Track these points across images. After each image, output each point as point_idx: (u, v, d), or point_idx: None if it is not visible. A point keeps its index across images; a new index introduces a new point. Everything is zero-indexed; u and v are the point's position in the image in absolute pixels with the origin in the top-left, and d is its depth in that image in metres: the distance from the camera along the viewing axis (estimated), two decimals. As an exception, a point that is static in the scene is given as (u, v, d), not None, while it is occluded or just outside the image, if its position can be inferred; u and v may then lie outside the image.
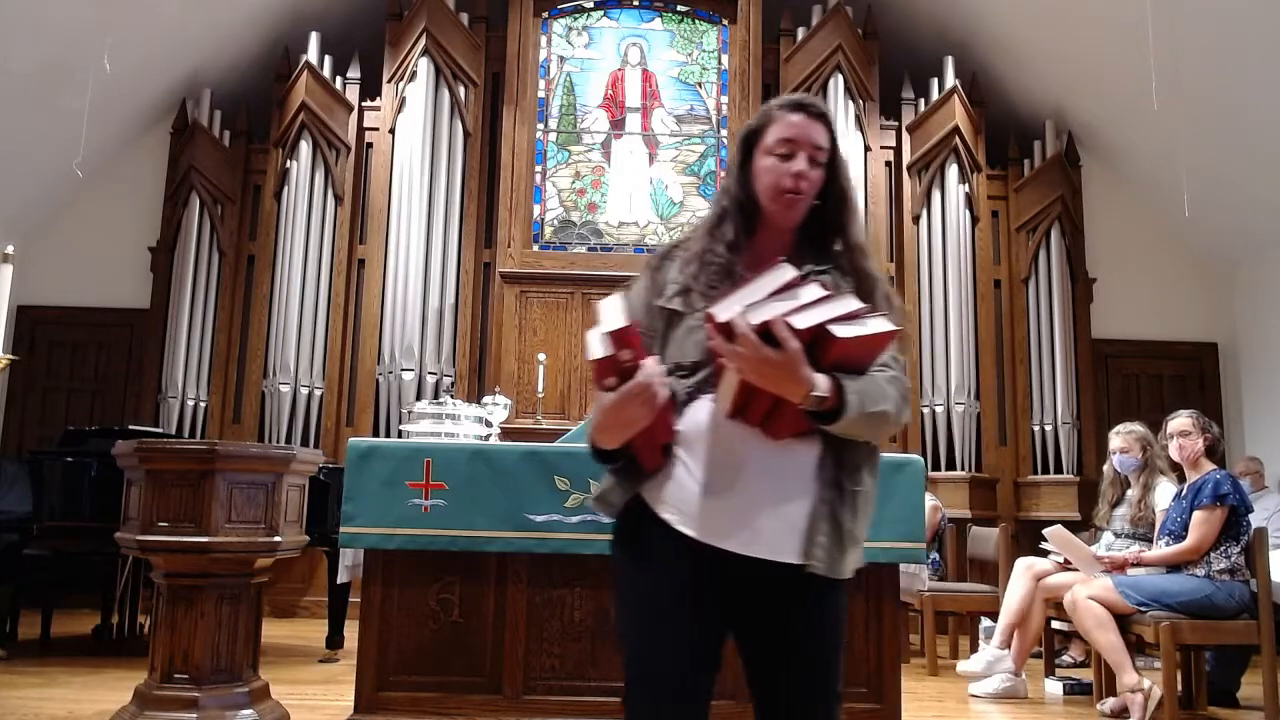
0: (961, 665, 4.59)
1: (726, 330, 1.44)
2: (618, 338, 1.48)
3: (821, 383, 1.46)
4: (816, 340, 1.45)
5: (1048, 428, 7.04)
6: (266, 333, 7.04)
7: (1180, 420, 4.14)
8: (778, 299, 1.46)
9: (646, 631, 1.59)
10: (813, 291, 1.48)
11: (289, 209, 7.08)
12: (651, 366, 1.49)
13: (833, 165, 1.67)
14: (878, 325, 1.50)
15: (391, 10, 7.32)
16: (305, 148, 7.13)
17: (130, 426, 5.94)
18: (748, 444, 1.55)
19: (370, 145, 7.34)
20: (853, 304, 1.50)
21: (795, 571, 1.54)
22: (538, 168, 7.35)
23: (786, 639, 1.60)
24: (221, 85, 7.41)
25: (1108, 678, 4.08)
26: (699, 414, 1.58)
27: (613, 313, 1.50)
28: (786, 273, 1.49)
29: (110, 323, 7.31)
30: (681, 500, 1.57)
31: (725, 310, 1.45)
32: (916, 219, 7.29)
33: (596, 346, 1.49)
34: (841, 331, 1.46)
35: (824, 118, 1.66)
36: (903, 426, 1.67)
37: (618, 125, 7.48)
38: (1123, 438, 4.53)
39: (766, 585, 1.56)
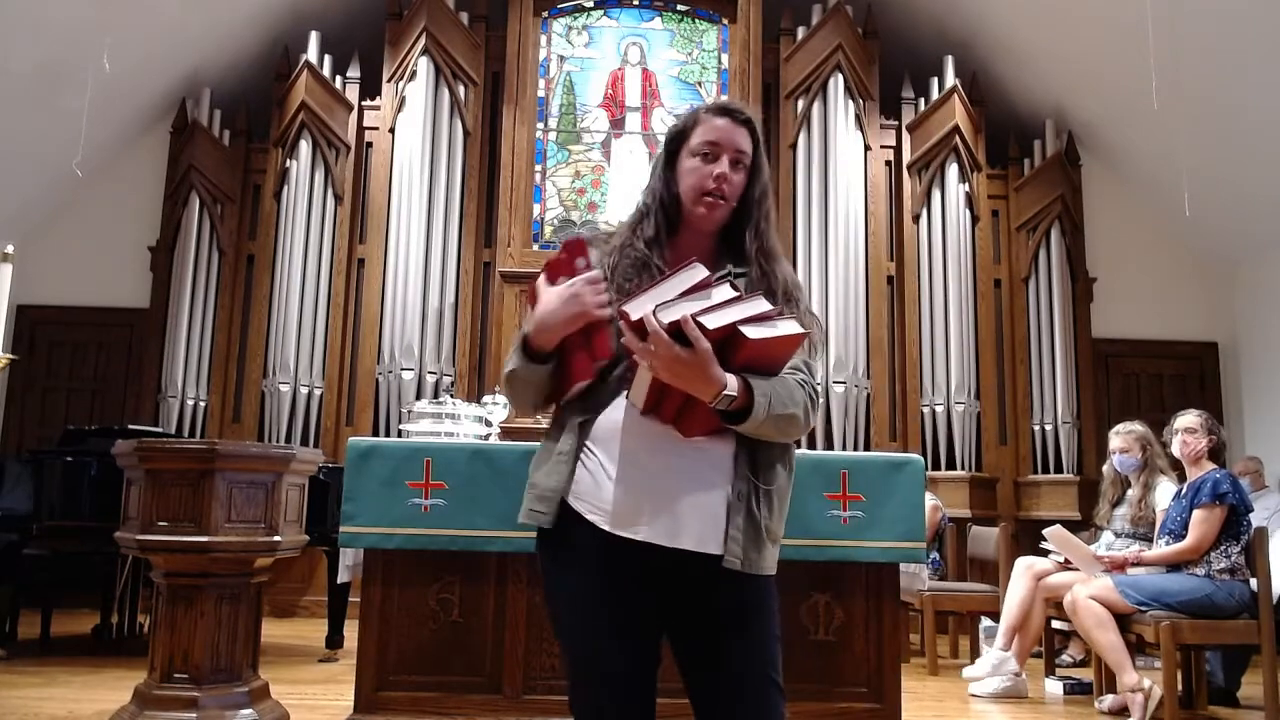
0: (967, 671, 4.57)
1: (639, 328, 1.47)
2: (570, 246, 1.55)
3: (732, 383, 1.50)
4: (727, 340, 1.48)
5: (1048, 427, 7.04)
6: (266, 332, 7.04)
7: (1188, 418, 4.14)
8: (690, 298, 1.49)
9: (581, 631, 1.61)
10: (724, 292, 1.51)
11: (289, 208, 7.08)
12: (599, 273, 1.57)
13: (754, 170, 1.70)
14: (787, 327, 1.53)
15: (391, 10, 7.32)
16: (305, 147, 7.13)
17: (130, 426, 5.94)
18: (664, 441, 1.57)
19: (370, 145, 7.34)
20: (763, 305, 1.52)
21: (718, 563, 1.57)
22: (538, 167, 7.35)
23: (715, 627, 1.61)
24: (221, 85, 7.41)
25: (1108, 677, 4.08)
26: (615, 412, 1.61)
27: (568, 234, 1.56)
28: (699, 272, 1.52)
29: (110, 322, 7.30)
30: (600, 497, 1.59)
31: (637, 308, 1.47)
32: (916, 218, 7.29)
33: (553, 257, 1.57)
34: (752, 332, 1.48)
35: (749, 123, 1.70)
36: (810, 429, 1.70)
37: (617, 125, 7.48)
38: (1123, 437, 4.53)
39: (691, 577, 1.59)
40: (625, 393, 1.59)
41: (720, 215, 1.69)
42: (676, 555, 1.56)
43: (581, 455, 1.62)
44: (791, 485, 1.70)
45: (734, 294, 1.52)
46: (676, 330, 1.45)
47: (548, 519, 1.63)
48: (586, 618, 1.60)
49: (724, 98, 1.68)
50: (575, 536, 1.61)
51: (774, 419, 1.54)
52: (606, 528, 1.58)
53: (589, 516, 1.59)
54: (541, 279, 1.60)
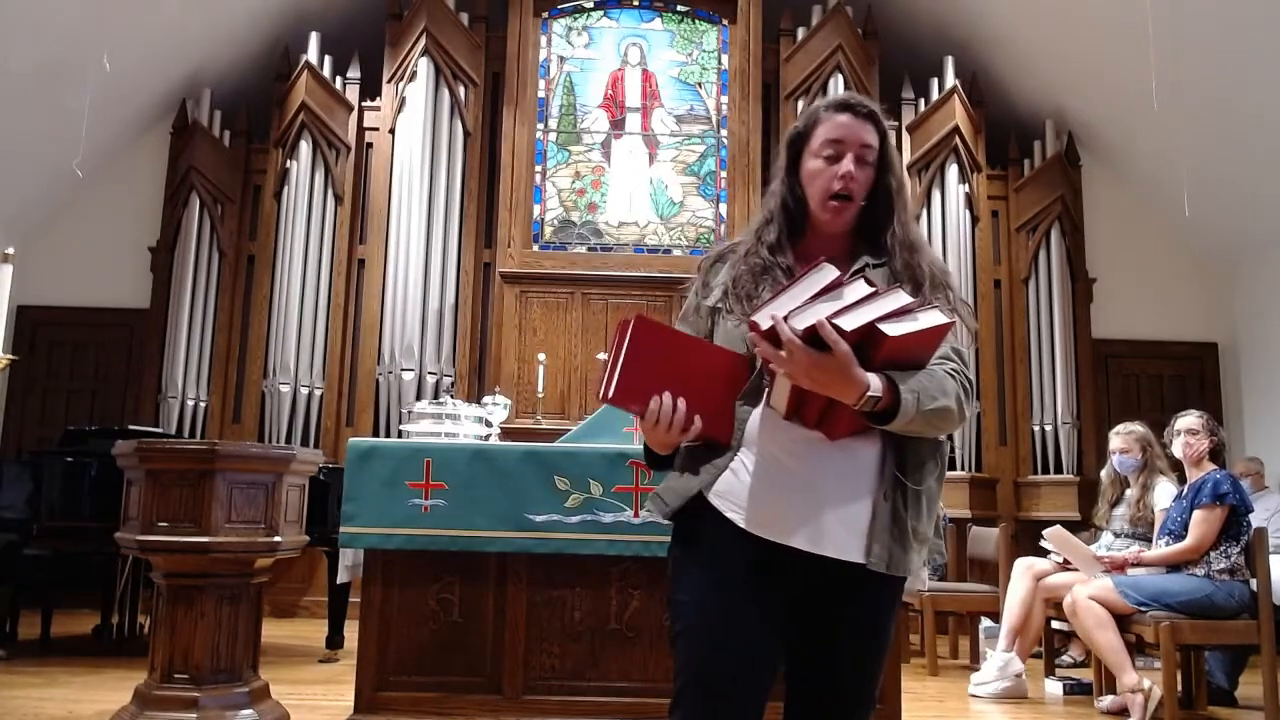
0: (975, 678, 4.51)
1: (772, 336, 1.42)
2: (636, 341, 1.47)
3: (875, 383, 1.43)
4: (866, 339, 1.42)
5: (1048, 428, 7.04)
6: (266, 333, 7.04)
7: (1190, 419, 4.14)
8: (822, 300, 1.43)
9: (707, 632, 1.55)
10: (858, 290, 1.45)
11: (289, 209, 7.08)
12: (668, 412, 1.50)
13: (883, 162, 1.64)
14: (930, 319, 1.45)
15: (391, 10, 7.32)
16: (305, 148, 7.13)
17: (130, 426, 5.94)
18: (807, 443, 1.53)
19: (370, 145, 7.34)
20: (902, 299, 1.45)
21: (855, 570, 1.53)
22: (538, 168, 7.35)
23: (834, 639, 1.58)
24: (221, 85, 7.41)
25: (1107, 678, 4.08)
26: (756, 416, 1.57)
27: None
28: (829, 273, 1.45)
29: (110, 323, 7.30)
30: (744, 498, 1.55)
31: (766, 316, 1.42)
32: (916, 219, 7.27)
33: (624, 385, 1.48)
34: (892, 329, 1.42)
35: (873, 116, 1.64)
36: (967, 420, 1.65)
37: (618, 125, 7.48)
38: (1123, 438, 4.53)
39: (824, 584, 1.55)
40: (766, 397, 1.54)
41: (849, 216, 1.63)
42: (815, 561, 1.52)
43: (726, 455, 1.57)
44: (942, 485, 1.64)
45: (869, 290, 1.44)
46: (812, 335, 1.39)
47: (669, 509, 1.60)
48: (711, 615, 1.54)
49: (845, 92, 1.65)
50: (709, 532, 1.56)
51: (924, 415, 1.46)
52: (745, 526, 1.53)
53: (728, 514, 1.55)
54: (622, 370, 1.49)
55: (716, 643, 1.53)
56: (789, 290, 1.45)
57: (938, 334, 1.47)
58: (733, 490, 1.55)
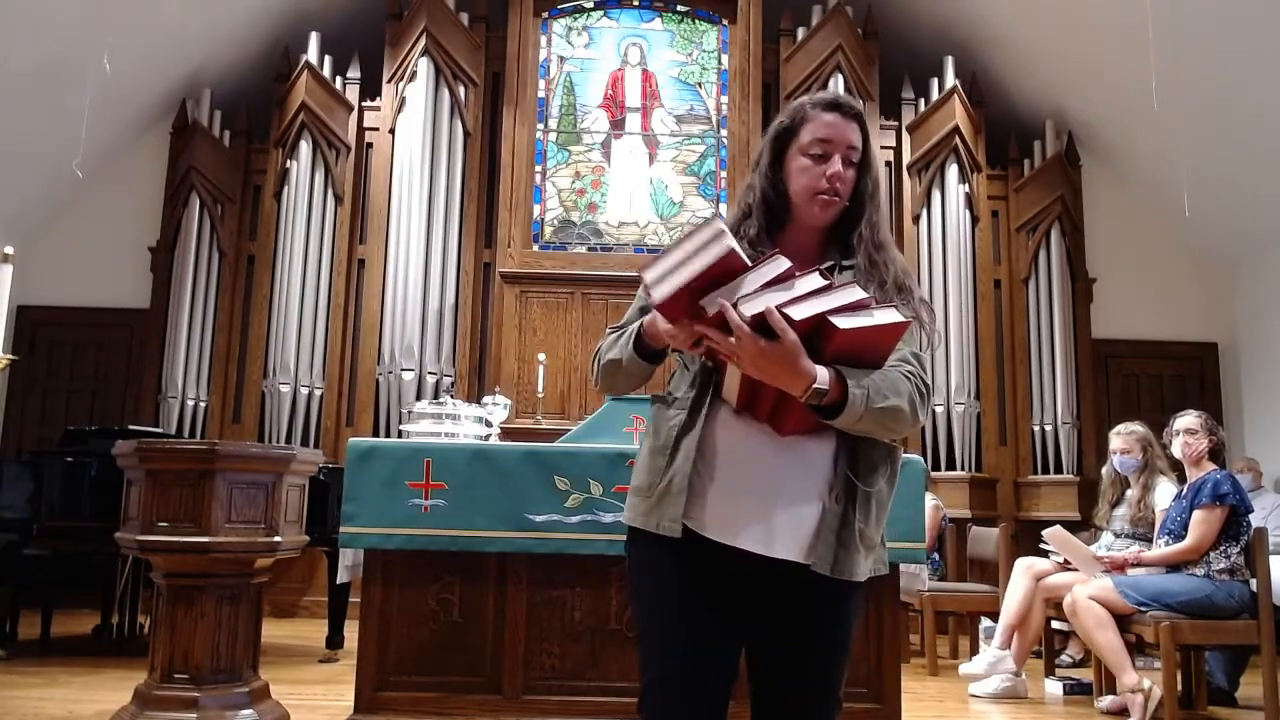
0: (964, 668, 4.59)
1: (719, 322, 1.41)
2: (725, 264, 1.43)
3: (822, 375, 1.43)
4: (817, 332, 1.42)
5: (1048, 428, 7.04)
6: (266, 333, 7.04)
7: (1188, 419, 4.14)
8: (773, 289, 1.42)
9: (662, 633, 1.58)
10: (812, 281, 1.43)
11: (289, 209, 7.08)
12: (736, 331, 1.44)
13: (864, 164, 1.66)
14: (885, 316, 1.44)
15: (391, 10, 7.32)
16: (305, 148, 7.13)
17: (130, 426, 5.94)
18: (760, 441, 1.54)
19: (370, 145, 7.34)
20: (856, 294, 1.44)
21: (807, 573, 1.54)
22: (538, 168, 7.35)
23: (793, 639, 1.59)
24: (221, 85, 7.41)
25: (1107, 678, 4.08)
26: (710, 410, 1.58)
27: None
28: (782, 264, 1.45)
29: (110, 323, 7.30)
30: (699, 500, 1.56)
31: (714, 301, 1.41)
32: (916, 219, 7.29)
33: (705, 256, 1.41)
34: (843, 322, 1.41)
35: (859, 117, 1.66)
36: (920, 425, 1.66)
37: (618, 125, 7.48)
38: (1123, 438, 4.53)
39: (778, 584, 1.56)
40: (715, 389, 1.55)
41: (833, 213, 1.65)
42: (768, 562, 1.54)
43: (678, 455, 1.58)
44: (894, 490, 1.64)
45: (823, 283, 1.44)
46: (760, 323, 1.39)
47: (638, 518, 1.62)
48: (666, 620, 1.58)
49: (831, 91, 1.64)
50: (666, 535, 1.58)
51: (874, 412, 1.46)
52: (698, 529, 1.55)
53: (691, 526, 1.56)
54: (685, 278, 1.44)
55: (674, 644, 1.56)
56: (742, 279, 1.43)
57: (893, 332, 1.46)
58: (691, 492, 1.57)
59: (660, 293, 1.43)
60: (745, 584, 1.57)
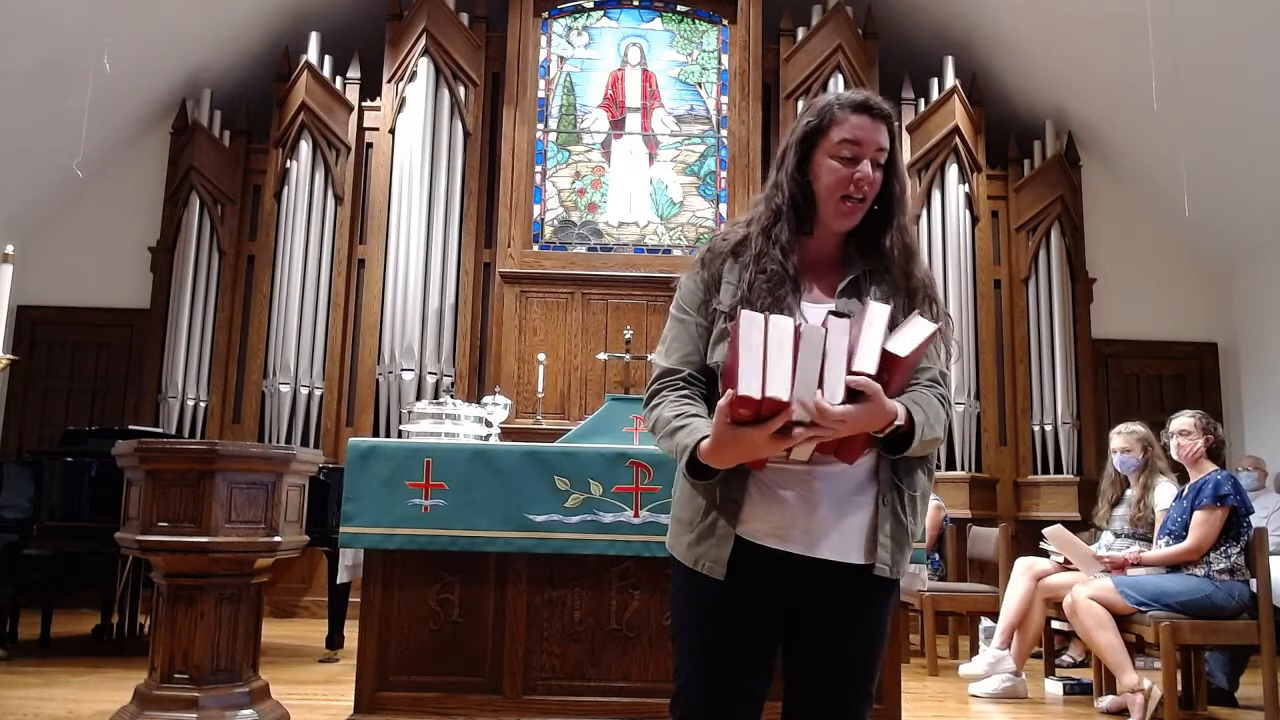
0: (964, 668, 4.59)
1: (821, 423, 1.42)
2: (771, 404, 1.40)
3: (900, 410, 1.48)
4: (882, 365, 1.46)
5: (1048, 428, 7.04)
6: (266, 333, 7.04)
7: (1182, 420, 4.14)
8: (829, 355, 1.43)
9: (696, 639, 1.59)
10: (841, 326, 1.44)
11: (289, 209, 7.08)
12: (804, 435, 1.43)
13: (890, 166, 1.64)
14: (921, 328, 1.49)
15: (391, 10, 7.32)
16: (305, 148, 7.13)
17: (130, 426, 5.94)
18: (809, 467, 1.55)
19: (370, 145, 7.34)
20: (883, 313, 1.47)
21: (852, 573, 1.56)
22: (538, 168, 7.35)
23: (830, 638, 1.60)
24: (221, 85, 7.41)
25: (1107, 678, 4.08)
26: None
27: (781, 364, 1.41)
28: (817, 334, 1.43)
29: (110, 323, 7.30)
30: (744, 507, 1.57)
31: (800, 409, 1.40)
32: (916, 219, 7.28)
33: (752, 383, 1.39)
34: (899, 349, 1.46)
35: (888, 118, 1.63)
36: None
37: (618, 125, 7.48)
38: (1123, 438, 4.53)
39: (820, 586, 1.57)
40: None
41: (858, 217, 1.63)
42: (813, 564, 1.54)
43: (717, 491, 1.57)
44: (932, 485, 1.68)
45: (848, 318, 1.45)
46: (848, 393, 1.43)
47: (722, 568, 1.57)
48: (701, 641, 1.58)
49: (860, 91, 1.60)
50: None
51: (924, 443, 1.53)
52: (743, 534, 1.55)
53: (739, 531, 1.56)
54: (727, 405, 1.42)
55: (713, 644, 1.57)
56: (782, 364, 1.41)
57: (928, 344, 1.51)
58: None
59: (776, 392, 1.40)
60: (785, 586, 1.57)
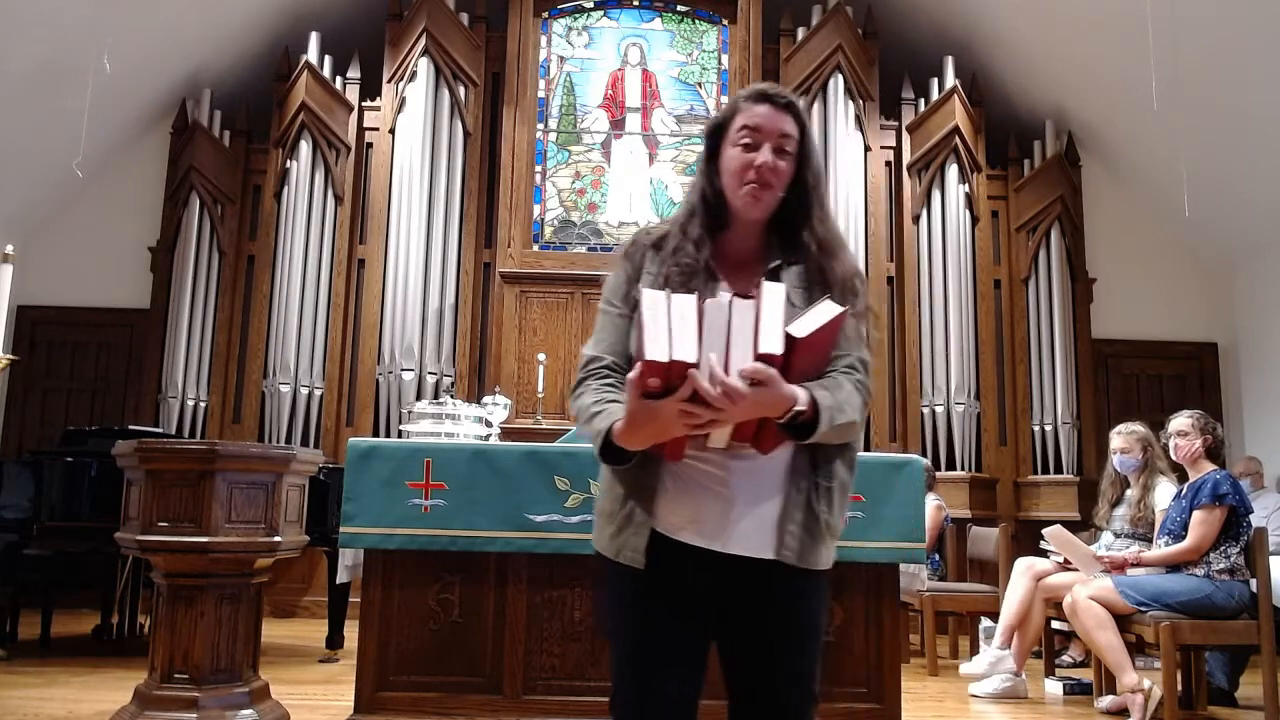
0: (964, 667, 4.60)
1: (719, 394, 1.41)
2: (679, 368, 1.41)
3: (801, 396, 1.47)
4: (784, 347, 1.45)
5: (1048, 428, 7.04)
6: (266, 333, 7.04)
7: (1179, 421, 4.14)
8: (730, 333, 1.43)
9: (627, 640, 1.61)
10: (743, 308, 1.44)
11: (289, 209, 7.08)
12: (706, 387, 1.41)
13: (802, 155, 1.64)
14: (825, 310, 1.48)
15: (391, 10, 7.32)
16: (305, 148, 7.14)
17: (130, 426, 5.94)
18: (725, 457, 1.56)
19: (370, 145, 7.34)
20: (779, 291, 1.46)
21: (772, 568, 1.56)
22: (538, 168, 7.35)
23: (761, 635, 1.60)
24: (221, 85, 7.41)
25: (1107, 678, 4.08)
26: None
27: (686, 332, 1.42)
28: (722, 303, 1.45)
29: (110, 323, 7.31)
30: (662, 504, 1.58)
31: (707, 382, 1.40)
32: (916, 219, 7.29)
33: (658, 349, 1.40)
34: (798, 330, 1.45)
35: (791, 107, 1.63)
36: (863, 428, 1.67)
37: (618, 125, 7.49)
38: (1123, 438, 4.53)
39: (745, 583, 1.57)
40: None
41: (767, 204, 1.62)
42: (729, 561, 1.55)
43: (635, 480, 1.58)
44: (853, 476, 1.66)
45: (750, 302, 1.45)
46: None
47: (641, 558, 1.59)
48: (632, 637, 1.60)
49: (764, 83, 1.63)
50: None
51: (835, 428, 1.51)
52: (662, 531, 1.56)
53: (658, 529, 1.58)
54: (637, 376, 1.43)
55: (642, 645, 1.58)
56: (697, 333, 1.42)
57: (835, 326, 1.49)
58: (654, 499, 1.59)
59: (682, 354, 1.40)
60: (709, 584, 1.58)
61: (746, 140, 1.61)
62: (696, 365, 1.40)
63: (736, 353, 1.42)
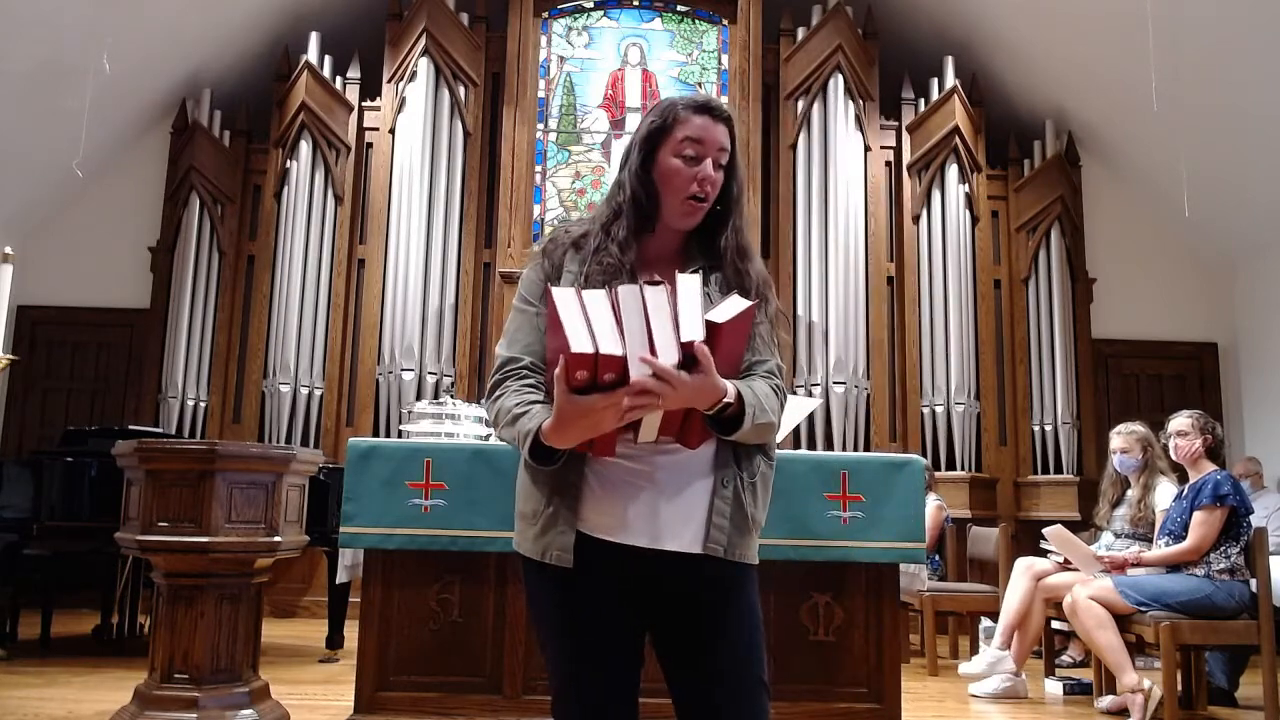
0: (963, 667, 4.60)
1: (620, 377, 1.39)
2: (606, 361, 1.40)
3: (730, 389, 1.49)
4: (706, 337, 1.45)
5: (1048, 428, 7.04)
6: (266, 333, 7.04)
7: (1179, 421, 4.14)
8: (650, 318, 1.42)
9: (560, 644, 1.61)
10: (659, 295, 1.43)
11: (289, 209, 7.08)
12: (643, 380, 1.40)
13: (731, 167, 1.67)
14: (738, 302, 1.49)
15: (391, 10, 7.32)
16: (305, 148, 7.14)
17: (130, 426, 5.94)
18: (648, 455, 1.56)
19: (370, 145, 7.34)
20: (696, 285, 1.47)
21: (703, 561, 1.57)
22: (538, 168, 7.35)
23: (695, 633, 1.59)
24: (221, 85, 7.41)
25: (1107, 678, 4.09)
26: None
27: (605, 323, 1.41)
28: (635, 288, 1.44)
29: (110, 323, 7.31)
30: (589, 505, 1.58)
31: (637, 365, 1.39)
32: (916, 219, 7.29)
33: (581, 341, 1.39)
34: (720, 316, 1.45)
35: (728, 120, 1.67)
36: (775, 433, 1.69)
37: (618, 125, 7.49)
38: (1123, 438, 4.53)
39: (675, 580, 1.58)
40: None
41: (700, 217, 1.66)
42: (658, 558, 1.56)
43: (558, 479, 1.59)
44: (773, 472, 1.68)
45: (665, 290, 1.44)
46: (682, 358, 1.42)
47: (570, 557, 1.59)
48: (565, 639, 1.61)
49: (700, 93, 1.65)
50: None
51: (756, 427, 1.54)
52: (588, 531, 1.57)
53: (584, 530, 1.58)
54: (563, 370, 1.41)
55: (576, 648, 1.59)
56: (606, 324, 1.41)
57: (748, 318, 1.51)
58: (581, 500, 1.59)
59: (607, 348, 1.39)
60: (638, 584, 1.59)
61: (689, 152, 1.62)
62: (623, 356, 1.39)
63: (660, 339, 1.41)
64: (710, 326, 1.44)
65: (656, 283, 1.45)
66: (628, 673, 1.61)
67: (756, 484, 1.62)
